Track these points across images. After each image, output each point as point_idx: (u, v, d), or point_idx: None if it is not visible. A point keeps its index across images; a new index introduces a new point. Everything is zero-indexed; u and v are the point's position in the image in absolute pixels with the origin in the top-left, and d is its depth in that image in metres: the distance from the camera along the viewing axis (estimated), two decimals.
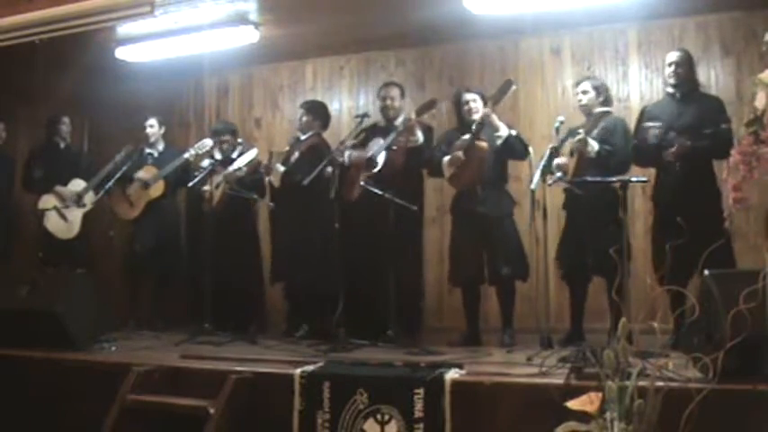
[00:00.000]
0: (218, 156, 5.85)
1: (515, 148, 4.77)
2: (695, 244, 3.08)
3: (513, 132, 4.79)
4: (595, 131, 4.60)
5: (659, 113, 4.60)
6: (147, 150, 6.14)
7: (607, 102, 4.83)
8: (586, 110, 4.81)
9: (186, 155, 5.88)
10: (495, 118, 4.77)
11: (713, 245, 3.00)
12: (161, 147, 6.17)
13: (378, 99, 5.40)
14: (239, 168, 5.55)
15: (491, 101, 4.81)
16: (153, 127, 6.14)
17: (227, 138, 5.94)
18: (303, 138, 5.57)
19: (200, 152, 5.84)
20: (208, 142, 5.88)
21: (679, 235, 3.06)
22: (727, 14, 5.47)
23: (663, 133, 4.48)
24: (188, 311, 5.72)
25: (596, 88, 4.82)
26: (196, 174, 5.62)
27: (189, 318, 5.56)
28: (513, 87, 4.80)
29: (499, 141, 4.76)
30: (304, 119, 5.62)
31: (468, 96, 4.97)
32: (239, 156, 5.68)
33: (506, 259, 4.77)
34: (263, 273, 5.86)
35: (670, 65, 4.59)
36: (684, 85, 4.54)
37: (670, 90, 4.61)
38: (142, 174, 5.95)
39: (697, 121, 4.41)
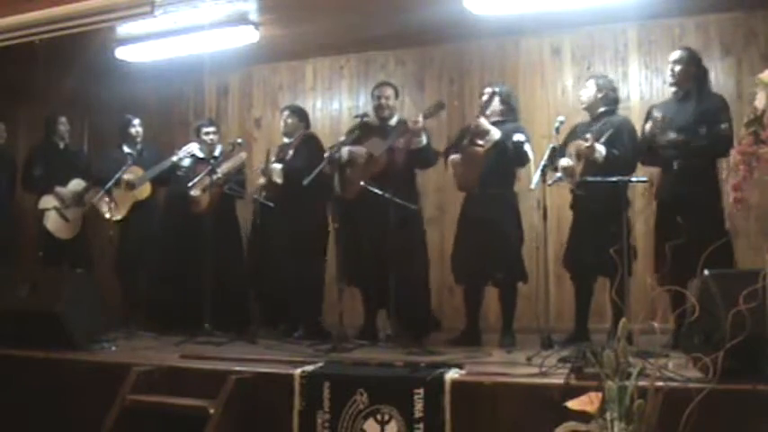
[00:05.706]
0: (200, 154, 5.86)
1: (508, 153, 4.71)
2: (694, 243, 3.09)
3: (517, 138, 4.70)
4: (603, 137, 4.54)
5: (663, 113, 4.55)
6: (127, 150, 6.07)
7: (607, 100, 4.77)
8: (586, 107, 4.80)
9: (174, 158, 5.88)
10: (483, 122, 4.75)
11: (712, 244, 3.00)
12: (140, 146, 6.12)
13: (372, 98, 5.34)
14: (227, 170, 5.59)
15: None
16: (138, 127, 6.11)
17: (210, 129, 5.94)
18: (291, 140, 5.57)
19: (186, 155, 5.87)
20: (194, 146, 5.92)
21: (678, 234, 3.06)
22: (727, 14, 5.47)
23: (656, 128, 4.45)
24: (187, 312, 5.69)
25: (598, 86, 4.78)
26: (179, 173, 5.74)
27: (188, 318, 5.55)
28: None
29: (488, 145, 4.73)
30: (289, 121, 5.61)
31: (486, 90, 4.99)
32: (221, 154, 5.63)
33: (503, 263, 4.76)
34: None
35: (670, 63, 4.57)
36: (685, 84, 4.49)
37: (671, 89, 4.59)
38: (127, 175, 5.87)
39: (694, 121, 4.37)
